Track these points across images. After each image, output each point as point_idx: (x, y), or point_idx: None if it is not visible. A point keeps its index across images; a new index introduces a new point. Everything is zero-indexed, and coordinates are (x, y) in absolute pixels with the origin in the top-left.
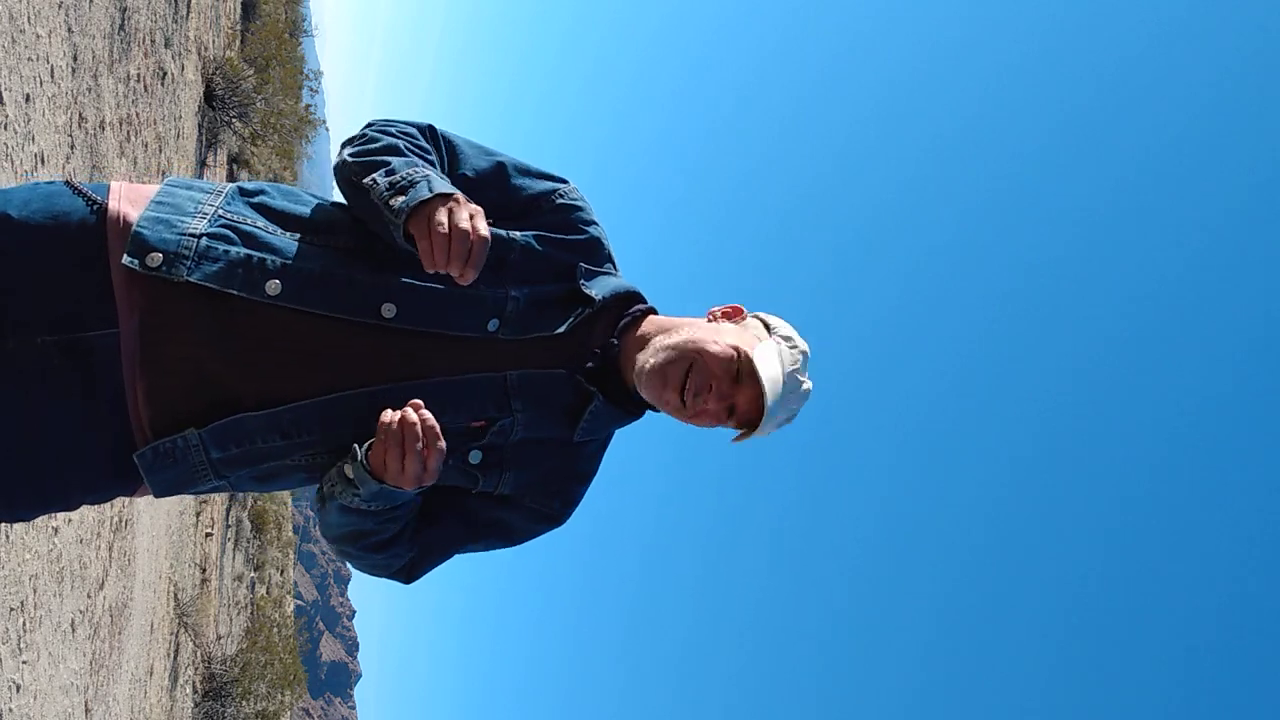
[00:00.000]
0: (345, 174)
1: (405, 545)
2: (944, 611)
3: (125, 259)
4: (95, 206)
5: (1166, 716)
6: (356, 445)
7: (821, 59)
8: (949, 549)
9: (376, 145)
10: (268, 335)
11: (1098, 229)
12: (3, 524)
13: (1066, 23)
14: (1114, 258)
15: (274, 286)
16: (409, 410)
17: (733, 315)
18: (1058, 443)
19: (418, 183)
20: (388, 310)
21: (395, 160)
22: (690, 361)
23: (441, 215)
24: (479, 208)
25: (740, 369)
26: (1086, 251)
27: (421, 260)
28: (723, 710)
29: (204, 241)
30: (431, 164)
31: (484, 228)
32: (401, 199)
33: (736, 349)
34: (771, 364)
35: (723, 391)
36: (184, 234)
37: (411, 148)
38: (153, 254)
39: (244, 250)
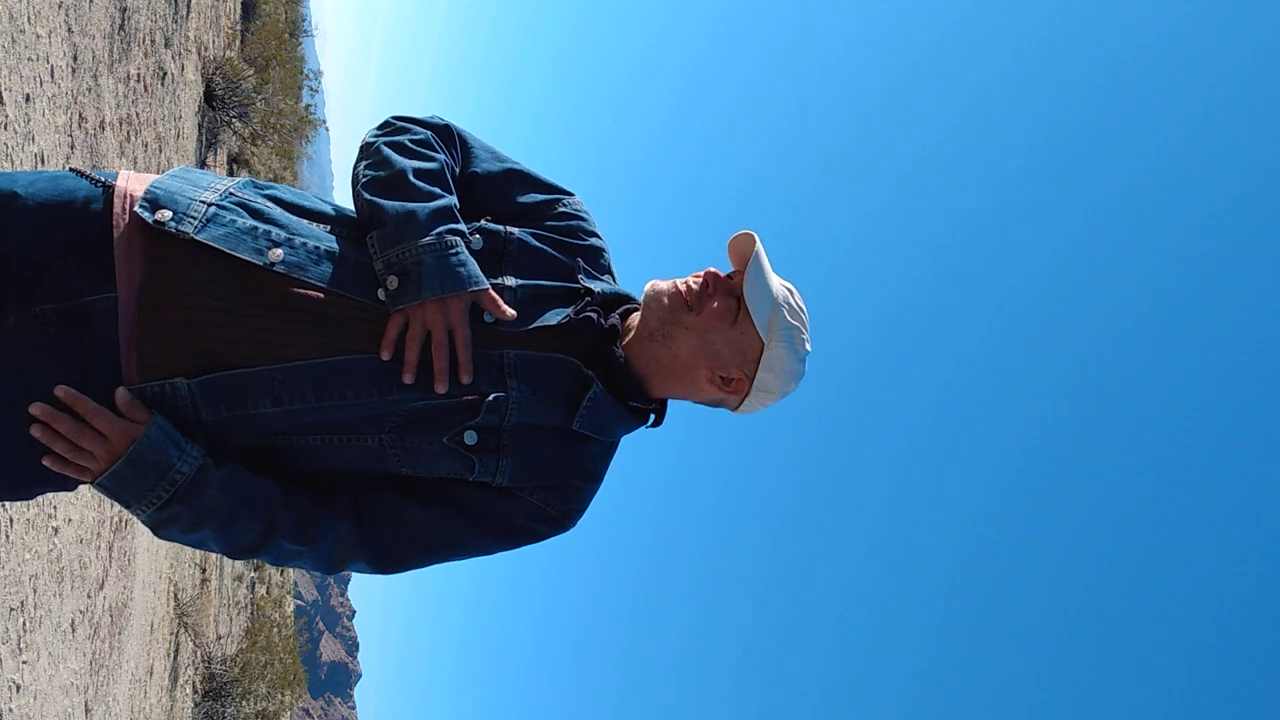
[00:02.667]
0: (353, 193)
1: (295, 519)
2: (943, 612)
3: (136, 208)
4: (101, 185)
5: (1166, 716)
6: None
7: (821, 56)
8: (948, 550)
9: (383, 176)
10: (266, 303)
11: (1098, 228)
12: (3, 513)
13: (1069, 20)
14: (1115, 256)
15: (277, 255)
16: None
17: None
18: (1057, 442)
19: (409, 271)
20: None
21: (389, 209)
22: (695, 275)
23: (416, 329)
24: (458, 318)
25: (736, 271)
26: (1087, 250)
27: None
28: (722, 709)
29: (213, 209)
30: (437, 176)
31: (461, 336)
32: (394, 281)
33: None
34: (764, 264)
35: (724, 276)
36: (195, 200)
37: (421, 172)
38: (163, 210)
39: (251, 221)
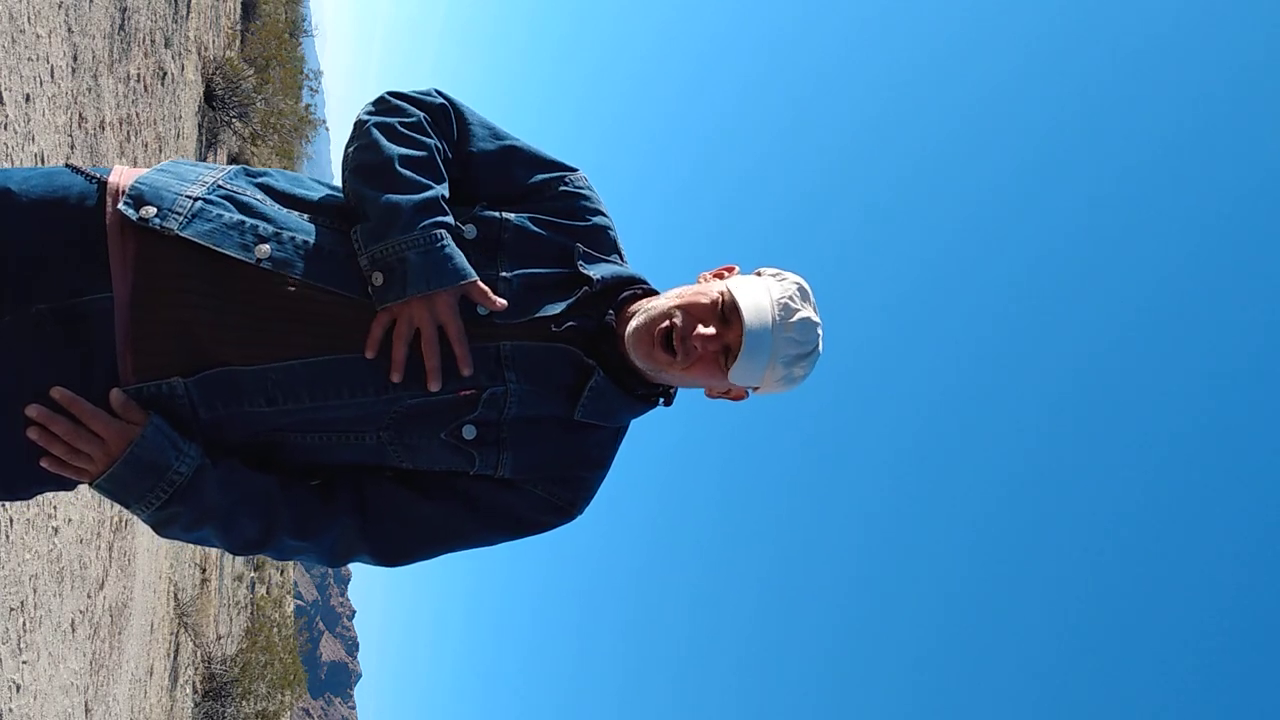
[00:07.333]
0: (343, 177)
1: (297, 513)
2: (944, 612)
3: (120, 205)
4: (95, 181)
5: (1166, 717)
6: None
7: (824, 51)
8: (949, 550)
9: (369, 162)
10: (256, 300)
11: (1101, 228)
12: (3, 513)
13: (1074, 18)
14: (1112, 256)
15: (264, 251)
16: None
17: (724, 275)
18: (1058, 443)
19: (393, 268)
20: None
21: (373, 201)
22: (671, 315)
23: (403, 327)
24: (447, 313)
25: (725, 308)
26: (1089, 250)
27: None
28: (723, 709)
29: (199, 204)
30: (426, 165)
31: (454, 330)
32: (379, 277)
33: (720, 292)
34: (754, 291)
35: (712, 334)
36: (180, 194)
37: (408, 160)
38: (147, 207)
39: (238, 215)
